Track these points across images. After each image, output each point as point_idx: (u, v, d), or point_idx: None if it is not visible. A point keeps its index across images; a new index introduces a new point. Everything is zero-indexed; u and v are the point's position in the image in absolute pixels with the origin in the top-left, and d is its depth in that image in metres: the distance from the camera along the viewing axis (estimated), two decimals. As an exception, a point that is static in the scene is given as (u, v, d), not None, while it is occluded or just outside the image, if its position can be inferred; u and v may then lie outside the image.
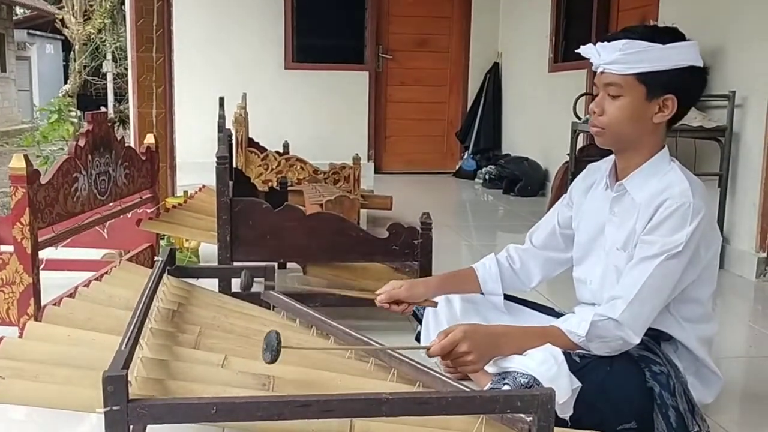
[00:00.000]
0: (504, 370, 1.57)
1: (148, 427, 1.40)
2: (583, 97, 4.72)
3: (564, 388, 1.49)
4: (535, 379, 1.50)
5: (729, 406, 1.98)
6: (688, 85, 1.64)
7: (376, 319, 2.40)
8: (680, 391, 1.64)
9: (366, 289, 2.62)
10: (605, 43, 1.65)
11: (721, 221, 3.52)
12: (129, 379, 1.16)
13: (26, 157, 1.86)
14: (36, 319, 1.88)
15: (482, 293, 1.97)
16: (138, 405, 1.14)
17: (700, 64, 1.64)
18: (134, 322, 1.40)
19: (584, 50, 1.71)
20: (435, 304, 1.91)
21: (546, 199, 5.59)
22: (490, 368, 1.62)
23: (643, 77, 1.61)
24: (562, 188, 4.67)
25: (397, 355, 1.58)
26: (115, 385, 1.12)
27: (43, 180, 1.96)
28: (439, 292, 1.94)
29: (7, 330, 2.12)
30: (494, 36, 7.29)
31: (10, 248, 2.01)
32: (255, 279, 2.00)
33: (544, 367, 1.52)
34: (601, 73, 1.67)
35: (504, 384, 1.52)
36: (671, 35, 1.63)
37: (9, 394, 1.32)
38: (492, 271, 1.97)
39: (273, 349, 1.31)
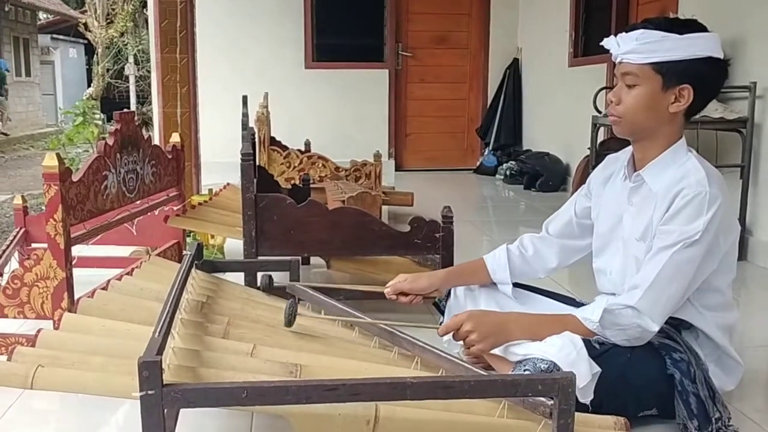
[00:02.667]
0: (524, 357, 1.60)
1: (181, 411, 1.45)
2: (604, 91, 4.71)
3: (583, 373, 1.52)
4: (554, 364, 1.53)
5: (752, 394, 1.99)
6: (704, 76, 1.65)
7: (400, 312, 2.42)
8: (701, 378, 1.66)
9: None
10: (624, 33, 1.68)
11: (743, 213, 3.51)
12: (162, 366, 1.21)
13: (59, 156, 1.91)
14: (70, 312, 1.93)
15: (492, 283, 2.02)
16: (172, 389, 1.19)
17: (719, 55, 1.65)
18: (166, 312, 1.45)
19: (605, 41, 1.74)
20: (440, 294, 2.03)
21: (567, 194, 5.58)
22: (510, 356, 1.66)
23: (659, 67, 1.63)
24: (583, 183, 4.67)
25: (420, 343, 1.62)
26: (150, 370, 1.17)
27: (75, 178, 2.02)
28: (445, 284, 2.02)
29: (42, 323, 2.19)
30: (513, 31, 7.28)
31: (43, 245, 2.07)
32: (279, 273, 2.05)
33: (564, 352, 1.55)
34: (620, 63, 1.70)
35: (524, 370, 1.56)
36: (690, 26, 1.65)
37: (48, 381, 1.36)
38: (501, 261, 2.01)
39: (288, 314, 1.66)
